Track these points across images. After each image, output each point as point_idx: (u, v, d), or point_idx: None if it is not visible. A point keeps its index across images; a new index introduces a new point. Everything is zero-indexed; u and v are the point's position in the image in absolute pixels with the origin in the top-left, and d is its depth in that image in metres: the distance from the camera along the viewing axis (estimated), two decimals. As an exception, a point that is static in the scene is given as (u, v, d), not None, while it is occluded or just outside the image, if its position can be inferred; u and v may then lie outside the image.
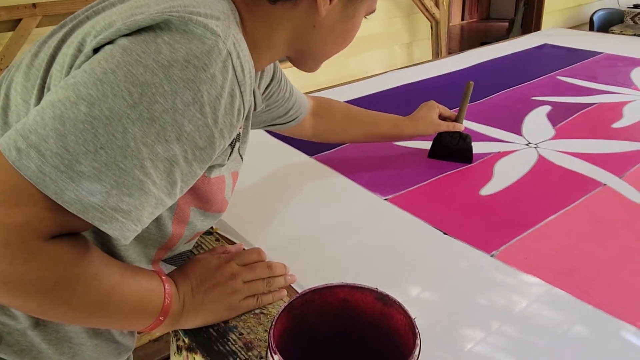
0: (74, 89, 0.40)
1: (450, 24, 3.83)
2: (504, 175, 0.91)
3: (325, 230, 0.77)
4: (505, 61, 1.63)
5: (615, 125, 1.11)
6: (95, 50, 0.44)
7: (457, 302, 0.62)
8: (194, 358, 0.57)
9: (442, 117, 0.98)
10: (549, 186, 0.87)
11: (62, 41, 0.49)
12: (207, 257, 0.62)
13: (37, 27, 1.60)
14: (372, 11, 0.63)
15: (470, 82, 0.98)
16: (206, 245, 0.73)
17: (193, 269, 0.59)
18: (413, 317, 0.46)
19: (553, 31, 2.08)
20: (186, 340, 0.58)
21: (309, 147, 1.02)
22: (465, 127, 0.99)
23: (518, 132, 1.09)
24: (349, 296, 0.51)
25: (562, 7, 3.77)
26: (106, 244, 0.51)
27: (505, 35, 4.55)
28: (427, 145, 1.01)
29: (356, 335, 0.52)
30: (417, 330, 0.45)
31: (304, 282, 0.65)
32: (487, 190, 0.86)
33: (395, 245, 0.73)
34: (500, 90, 1.35)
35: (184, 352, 0.60)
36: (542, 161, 0.95)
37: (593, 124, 1.12)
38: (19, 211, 0.38)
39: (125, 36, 0.43)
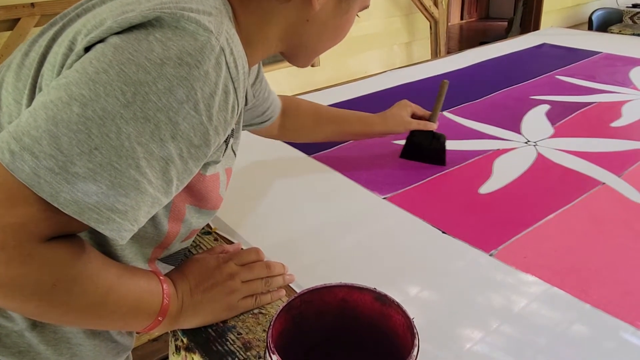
0: (66, 89, 0.40)
1: (449, 24, 3.83)
2: (503, 174, 0.91)
3: (324, 230, 0.77)
4: (504, 60, 1.64)
5: (614, 124, 1.11)
6: (87, 49, 0.43)
7: (455, 301, 0.62)
8: (193, 358, 0.57)
9: (415, 117, 0.96)
10: (547, 185, 0.87)
11: (53, 40, 0.49)
12: (205, 257, 0.61)
13: (35, 26, 1.60)
14: (366, 7, 0.63)
15: (445, 81, 0.96)
16: (204, 245, 0.73)
17: (191, 268, 0.59)
18: (411, 317, 0.46)
19: (552, 31, 2.08)
20: (185, 340, 0.58)
21: (308, 146, 1.02)
22: (467, 127, 0.98)
23: (517, 130, 1.09)
24: (348, 296, 0.51)
25: (561, 6, 3.78)
26: (102, 244, 0.51)
27: (504, 34, 4.55)
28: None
29: (355, 335, 0.52)
30: (415, 330, 0.45)
31: (303, 282, 0.65)
32: (486, 189, 0.86)
33: (393, 244, 0.73)
34: (499, 89, 1.35)
35: (183, 352, 0.60)
36: (541, 159, 0.95)
37: (592, 123, 1.12)
38: (15, 214, 0.38)
39: (116, 34, 0.42)
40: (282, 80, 2.42)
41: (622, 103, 1.22)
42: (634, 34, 2.32)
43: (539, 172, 0.91)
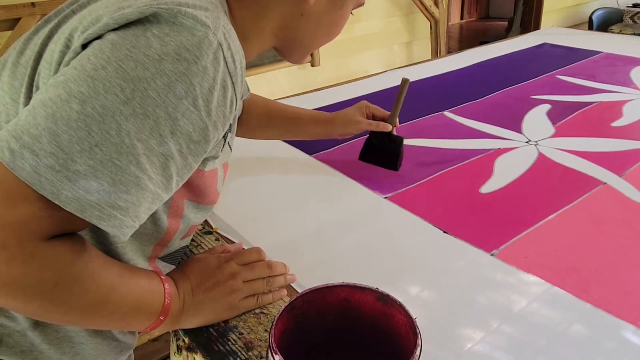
0: (65, 87, 0.40)
1: (449, 23, 3.83)
2: (504, 173, 0.91)
3: (325, 229, 0.77)
4: (504, 60, 1.63)
5: (615, 124, 1.11)
6: (84, 46, 0.43)
7: (456, 301, 0.62)
8: (194, 358, 0.57)
9: (376, 118, 0.91)
10: (548, 184, 0.87)
11: (49, 37, 0.49)
12: (206, 256, 0.61)
13: (34, 25, 1.60)
14: (360, 5, 0.63)
15: (406, 78, 0.90)
16: (206, 245, 0.73)
17: (193, 268, 0.59)
18: (414, 317, 0.46)
19: (552, 30, 2.08)
20: (186, 339, 0.58)
21: (309, 145, 1.02)
22: (468, 126, 0.97)
23: (518, 129, 1.09)
24: (350, 296, 0.51)
25: (561, 6, 3.77)
26: (103, 242, 0.51)
27: (505, 34, 4.55)
28: (426, 143, 1.01)
29: (357, 335, 0.52)
30: (418, 330, 0.45)
31: (304, 282, 0.65)
32: (487, 188, 0.86)
33: (394, 244, 0.73)
34: (499, 89, 1.35)
35: (184, 352, 0.60)
36: (542, 159, 0.95)
37: (593, 122, 1.12)
38: (16, 212, 0.38)
39: (113, 31, 0.42)
40: (282, 80, 2.41)
41: (622, 103, 1.22)
42: (634, 34, 2.32)
43: (540, 171, 0.91)
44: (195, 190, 0.57)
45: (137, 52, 0.41)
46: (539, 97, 1.28)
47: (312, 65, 2.48)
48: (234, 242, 0.73)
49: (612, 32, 2.86)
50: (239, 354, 0.54)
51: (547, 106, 1.21)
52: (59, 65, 0.45)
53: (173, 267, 0.63)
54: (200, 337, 0.57)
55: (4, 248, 0.38)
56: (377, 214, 0.80)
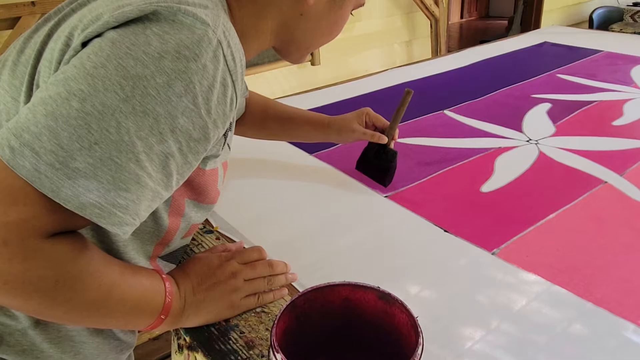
0: (65, 85, 0.40)
1: (449, 22, 3.83)
2: (505, 172, 0.91)
3: (326, 228, 0.77)
4: (505, 59, 1.63)
5: (616, 123, 1.11)
6: (84, 44, 0.43)
7: (457, 300, 0.62)
8: (195, 357, 0.57)
9: (375, 128, 0.88)
10: (549, 183, 0.87)
11: (49, 36, 0.49)
12: (207, 255, 0.61)
13: (34, 24, 1.60)
14: (360, 5, 0.63)
15: (409, 90, 0.85)
16: (207, 244, 0.73)
17: (194, 267, 0.59)
18: (415, 315, 0.46)
19: (552, 29, 2.08)
20: (187, 338, 0.58)
21: (309, 144, 1.02)
22: (468, 125, 0.96)
23: (518, 128, 1.09)
24: (351, 295, 0.51)
25: (562, 5, 3.77)
26: (104, 241, 0.51)
27: (505, 33, 4.54)
28: (426, 142, 1.01)
29: (358, 334, 0.52)
30: (419, 329, 0.45)
31: (305, 281, 0.65)
32: (487, 187, 0.86)
33: (395, 243, 0.73)
34: (500, 88, 1.35)
35: (185, 351, 0.59)
36: (542, 158, 0.95)
37: (593, 121, 1.12)
38: (16, 210, 0.38)
39: (113, 29, 0.42)
40: (283, 79, 2.41)
41: (623, 102, 1.22)
42: (634, 33, 2.32)
43: (541, 170, 0.91)
44: (196, 189, 0.57)
45: (136, 50, 0.41)
46: (540, 96, 1.28)
47: (313, 64, 2.48)
48: (234, 241, 0.73)
49: (613, 31, 2.86)
50: (240, 353, 0.54)
51: (548, 105, 1.21)
52: (59, 63, 0.45)
53: (173, 266, 0.63)
54: (201, 336, 0.57)
55: (5, 246, 0.38)
56: (378, 213, 0.80)
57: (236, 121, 0.88)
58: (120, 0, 0.45)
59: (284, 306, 0.48)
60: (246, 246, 0.70)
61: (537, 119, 1.14)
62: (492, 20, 6.65)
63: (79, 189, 0.39)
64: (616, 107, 1.19)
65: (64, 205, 0.39)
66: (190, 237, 0.66)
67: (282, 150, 1.02)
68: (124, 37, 0.41)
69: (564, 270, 0.66)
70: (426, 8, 2.77)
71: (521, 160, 0.95)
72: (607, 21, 3.38)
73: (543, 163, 0.94)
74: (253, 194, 0.87)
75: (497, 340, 0.56)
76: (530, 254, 0.69)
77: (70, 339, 0.54)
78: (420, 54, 3.00)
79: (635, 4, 3.54)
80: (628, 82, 1.36)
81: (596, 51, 1.66)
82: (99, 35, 0.43)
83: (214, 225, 0.77)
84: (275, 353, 0.43)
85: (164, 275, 0.54)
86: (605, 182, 0.86)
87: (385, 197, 0.84)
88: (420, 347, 0.43)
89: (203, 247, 0.72)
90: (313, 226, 0.77)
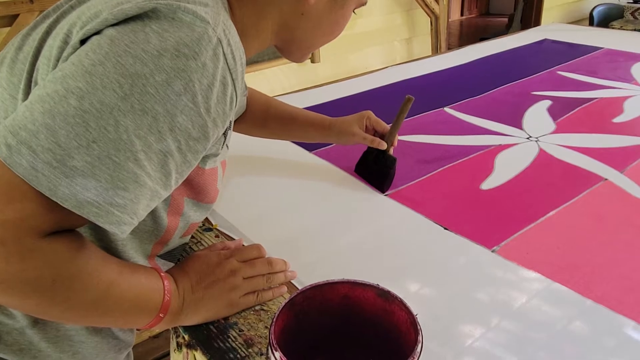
0: (63, 83, 0.40)
1: (449, 20, 3.82)
2: (505, 169, 0.90)
3: (325, 226, 0.77)
4: (505, 56, 1.63)
5: (616, 120, 1.10)
6: (83, 42, 0.43)
7: (457, 297, 0.62)
8: (194, 355, 0.57)
9: (375, 132, 0.87)
10: (549, 180, 0.86)
11: (47, 33, 0.49)
12: (206, 253, 0.61)
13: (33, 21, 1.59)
14: (362, 4, 0.63)
15: (410, 97, 0.84)
16: (206, 242, 0.72)
17: (192, 265, 0.59)
18: (415, 313, 0.46)
19: (553, 26, 2.08)
20: (186, 337, 0.58)
21: (309, 143, 1.02)
22: (468, 122, 0.95)
23: (519, 126, 1.09)
24: (350, 292, 0.51)
25: (562, 2, 3.76)
26: (103, 240, 0.51)
27: (505, 30, 4.54)
28: (426, 139, 1.01)
29: (357, 332, 0.52)
30: (419, 327, 0.45)
31: (304, 279, 0.65)
32: (487, 185, 0.86)
33: (395, 241, 0.73)
34: (500, 85, 1.35)
35: (184, 349, 0.59)
36: (543, 155, 0.95)
37: (594, 118, 1.12)
38: (13, 208, 0.38)
39: (112, 26, 0.42)
40: (283, 77, 2.41)
41: (624, 99, 1.22)
42: (635, 30, 2.31)
43: (541, 167, 0.91)
44: (196, 188, 0.57)
45: (135, 47, 0.40)
46: (540, 93, 1.27)
47: (313, 61, 2.48)
48: (234, 239, 0.73)
49: (613, 28, 2.85)
50: (239, 350, 0.54)
51: (548, 102, 1.21)
52: (58, 61, 0.45)
53: (172, 264, 0.63)
54: (200, 334, 0.57)
55: (2, 245, 0.38)
56: (377, 211, 0.80)
57: (237, 119, 0.87)
58: None
59: (283, 304, 0.47)
60: (245, 244, 0.70)
61: (537, 116, 1.14)
62: (492, 17, 6.64)
63: (76, 188, 0.38)
64: (616, 104, 1.18)
65: (61, 203, 0.38)
66: (189, 236, 0.66)
67: (281, 148, 1.02)
68: (122, 35, 0.41)
69: (564, 267, 0.66)
70: (426, 5, 2.77)
71: (521, 158, 0.94)
72: (608, 18, 3.37)
73: (543, 160, 0.93)
74: (252, 191, 0.87)
75: (497, 337, 0.56)
76: (530, 251, 0.69)
77: (69, 338, 0.54)
78: (421, 51, 3.00)
79: (635, 1, 3.53)
80: (628, 79, 1.36)
81: (596, 48, 1.66)
82: (97, 33, 0.42)
83: (213, 223, 0.77)
84: (274, 351, 0.42)
85: (162, 274, 0.54)
86: (606, 179, 0.86)
87: (385, 195, 0.84)
88: (420, 345, 0.43)
89: (202, 245, 0.72)
90: (312, 224, 0.77)
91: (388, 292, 0.49)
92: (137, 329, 0.62)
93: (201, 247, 0.71)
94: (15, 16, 1.55)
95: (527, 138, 1.03)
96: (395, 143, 0.87)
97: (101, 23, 0.42)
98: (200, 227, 0.76)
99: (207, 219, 0.78)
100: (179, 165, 0.45)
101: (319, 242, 0.73)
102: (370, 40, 2.74)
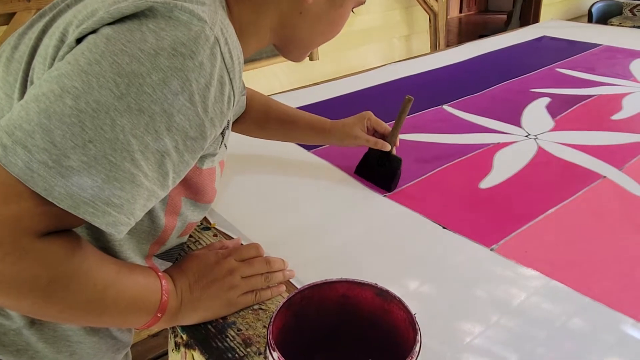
0: (58, 82, 0.39)
1: (448, 17, 3.82)
2: (504, 167, 0.90)
3: (324, 226, 0.76)
4: (504, 53, 1.63)
5: (615, 117, 1.10)
6: (79, 41, 0.43)
7: (456, 296, 0.62)
8: (192, 354, 0.57)
9: (376, 133, 0.87)
10: (548, 178, 0.86)
11: (43, 32, 0.48)
12: (204, 252, 0.61)
13: (29, 20, 1.59)
14: (361, 3, 0.62)
15: (409, 97, 0.84)
16: (204, 241, 0.72)
17: (190, 265, 0.59)
18: (413, 312, 0.46)
19: (551, 23, 2.07)
20: (184, 336, 0.58)
21: (307, 142, 1.02)
22: (467, 120, 0.95)
23: (517, 123, 1.09)
24: (349, 292, 0.50)
25: (561, -2, 3.76)
26: (100, 240, 0.51)
27: (504, 27, 4.53)
28: (424, 138, 1.01)
29: (356, 331, 0.52)
30: (417, 326, 0.45)
31: (303, 278, 0.65)
32: (486, 183, 0.86)
33: (394, 240, 0.73)
34: (498, 82, 1.34)
35: (182, 349, 0.59)
36: (541, 153, 0.95)
37: (592, 115, 1.11)
38: (9, 208, 0.38)
39: (108, 25, 0.42)
40: (281, 75, 2.41)
41: (622, 95, 1.21)
42: (634, 27, 2.31)
43: (540, 165, 0.91)
44: (193, 188, 0.56)
45: (132, 46, 0.40)
46: (539, 90, 1.27)
47: (311, 59, 2.47)
48: (232, 238, 0.73)
49: (612, 25, 2.85)
50: (238, 350, 0.54)
51: (547, 99, 1.21)
52: (54, 60, 0.45)
53: (170, 264, 0.62)
54: (198, 334, 0.57)
55: None
56: (375, 210, 0.80)
57: (237, 119, 0.87)
58: None
59: (281, 303, 0.47)
60: (244, 243, 0.70)
61: (536, 113, 1.14)
62: (491, 14, 6.63)
63: (72, 188, 0.38)
64: (615, 101, 1.18)
65: (57, 204, 0.38)
66: (187, 236, 0.66)
67: (280, 147, 1.02)
68: (119, 34, 0.41)
69: (563, 265, 0.66)
70: (425, 2, 2.76)
71: (520, 156, 0.94)
72: (606, 15, 3.37)
73: (542, 158, 0.93)
74: (251, 190, 0.87)
75: (496, 335, 0.56)
76: (529, 249, 0.69)
77: (66, 338, 0.53)
78: (419, 48, 3.00)
79: (634, -2, 3.52)
80: (627, 76, 1.36)
81: (595, 45, 1.66)
82: (93, 32, 0.42)
83: (212, 222, 0.77)
84: (272, 351, 0.42)
85: (160, 273, 0.53)
86: (604, 176, 0.86)
87: (384, 195, 0.84)
88: (418, 344, 0.43)
89: (200, 244, 0.72)
90: (311, 223, 0.77)
91: (386, 292, 0.49)
92: (135, 329, 0.62)
93: (199, 246, 0.71)
94: (12, 14, 1.55)
95: (526, 136, 1.03)
96: (398, 143, 0.87)
97: (97, 22, 0.42)
98: (198, 226, 0.76)
99: (205, 218, 0.78)
100: (176, 165, 0.44)
101: (317, 241, 0.73)
102: (369, 37, 2.74)
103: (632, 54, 1.54)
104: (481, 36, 1.98)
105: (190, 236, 0.73)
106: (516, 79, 1.36)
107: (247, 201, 0.83)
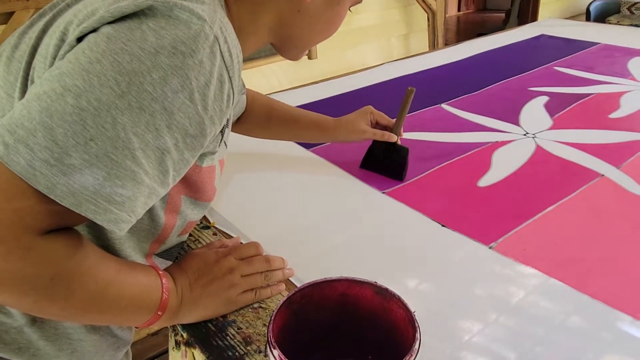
0: (60, 80, 0.40)
1: (446, 15, 3.82)
2: (502, 166, 0.90)
3: (323, 224, 0.77)
4: (502, 52, 1.63)
5: (613, 115, 1.10)
6: (79, 40, 0.43)
7: (455, 294, 0.62)
8: (193, 353, 0.57)
9: (379, 125, 0.89)
10: (547, 177, 0.87)
11: (43, 31, 0.49)
12: (204, 251, 0.61)
13: (29, 19, 1.59)
14: (358, 2, 0.63)
15: (411, 88, 0.86)
16: (203, 240, 0.73)
17: (191, 263, 0.59)
18: (412, 310, 0.46)
19: (550, 22, 2.08)
20: (184, 335, 0.58)
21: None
22: (465, 119, 0.96)
23: (516, 122, 1.09)
24: (348, 290, 0.51)
25: (559, -3, 3.76)
26: (101, 238, 0.51)
27: (502, 26, 4.53)
28: (423, 136, 1.01)
29: (355, 329, 0.52)
30: (416, 324, 0.45)
31: (302, 276, 0.65)
32: (485, 182, 0.86)
33: (393, 238, 0.73)
34: (497, 81, 1.35)
35: (183, 347, 0.59)
36: (540, 151, 0.95)
37: (590, 114, 1.12)
38: (12, 207, 0.38)
39: (109, 24, 0.42)
40: (280, 73, 2.41)
41: (620, 94, 1.22)
42: (632, 25, 2.32)
43: (538, 164, 0.91)
44: (193, 187, 0.57)
45: (132, 45, 0.40)
46: (537, 89, 1.27)
47: (310, 58, 2.48)
48: (231, 237, 0.73)
49: (610, 23, 2.85)
50: (238, 348, 0.54)
51: (545, 98, 1.21)
52: (54, 59, 0.45)
53: (170, 263, 0.63)
54: (198, 332, 0.57)
55: (1, 243, 0.38)
56: (375, 208, 0.80)
57: (240, 121, 0.88)
58: None
59: (281, 302, 0.47)
60: (243, 242, 0.70)
61: (534, 112, 1.14)
62: (489, 13, 6.63)
63: (74, 186, 0.38)
64: (613, 100, 1.19)
65: (59, 201, 0.38)
66: (187, 235, 0.66)
67: (279, 146, 1.02)
68: (119, 33, 0.41)
69: (561, 263, 0.66)
70: (423, 1, 2.76)
71: (518, 154, 0.95)
72: (604, 13, 3.37)
73: (540, 156, 0.94)
74: (250, 189, 0.87)
75: (495, 333, 0.56)
76: (527, 247, 0.69)
77: (68, 336, 0.54)
78: (418, 47, 3.00)
79: (632, -4, 3.53)
80: (625, 74, 1.36)
81: (593, 44, 1.66)
82: (94, 31, 0.42)
83: (211, 221, 0.77)
84: (272, 349, 0.43)
85: (160, 272, 0.54)
86: (602, 175, 0.86)
87: (383, 192, 0.84)
88: (418, 342, 0.43)
89: (200, 243, 0.72)
90: (310, 222, 0.77)
91: (386, 290, 0.49)
92: (136, 327, 0.62)
93: (199, 245, 0.71)
94: (11, 14, 1.55)
95: (524, 134, 1.03)
96: (402, 134, 0.89)
97: (98, 21, 0.42)
98: (198, 224, 0.76)
99: (205, 216, 0.78)
100: (176, 163, 0.45)
101: (316, 240, 0.73)
102: (368, 36, 2.74)
103: (630, 53, 1.55)
104: (479, 35, 1.99)
105: (190, 235, 0.73)
106: (514, 78, 1.37)
107: (247, 200, 0.84)
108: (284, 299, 0.48)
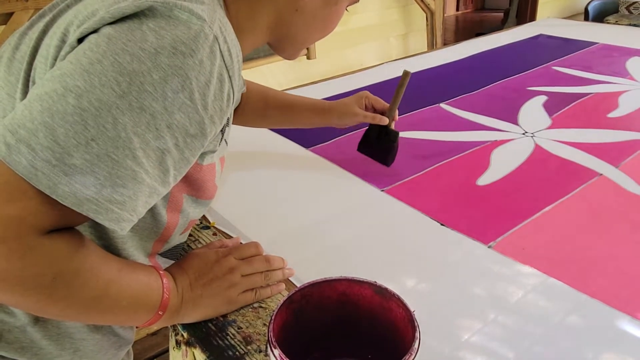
0: (61, 81, 0.40)
1: (445, 15, 3.82)
2: (501, 165, 0.91)
3: (323, 223, 0.77)
4: (500, 52, 1.63)
5: (611, 114, 1.11)
6: (80, 40, 0.43)
7: (454, 293, 0.62)
8: (193, 352, 0.57)
9: (375, 110, 0.89)
10: (545, 176, 0.87)
11: (44, 32, 0.49)
12: (205, 251, 0.61)
13: (29, 20, 1.59)
14: (356, 1, 0.63)
15: (407, 71, 0.87)
16: (203, 240, 0.73)
17: (191, 263, 0.59)
18: (412, 310, 0.46)
19: (548, 21, 2.08)
20: (185, 334, 0.58)
21: (305, 139, 1.02)
22: (464, 118, 0.96)
23: (514, 121, 1.09)
24: (348, 290, 0.51)
25: (557, -4, 3.77)
26: (103, 238, 0.51)
27: (500, 25, 4.54)
28: (422, 135, 1.01)
29: (355, 328, 0.52)
30: (416, 324, 0.45)
31: (302, 276, 0.65)
32: (483, 180, 0.86)
33: (392, 237, 0.73)
34: (495, 80, 1.35)
35: (183, 347, 0.60)
36: (538, 150, 0.96)
37: (589, 113, 1.12)
38: (13, 207, 0.38)
39: (109, 25, 0.42)
40: (279, 73, 2.41)
41: (619, 93, 1.22)
42: (630, 24, 2.32)
43: (537, 163, 0.91)
44: (194, 185, 0.57)
45: (133, 45, 0.41)
46: (535, 88, 1.28)
47: (308, 58, 2.48)
48: (231, 237, 0.73)
49: (608, 23, 2.86)
50: (238, 348, 0.54)
51: (544, 97, 1.21)
52: (55, 59, 0.45)
53: (172, 262, 0.63)
54: (199, 332, 0.57)
55: (3, 242, 0.38)
56: (374, 207, 0.81)
57: (237, 112, 0.88)
58: None
59: (281, 301, 0.48)
60: (243, 242, 0.70)
61: (533, 111, 1.14)
62: (487, 12, 6.63)
63: (75, 186, 0.39)
64: (611, 99, 1.19)
65: (60, 201, 0.39)
66: (188, 233, 0.66)
67: (278, 145, 1.02)
68: (120, 33, 0.41)
69: (560, 262, 0.66)
70: (422, 1, 2.77)
71: (517, 153, 0.95)
72: (603, 13, 3.37)
73: (539, 156, 0.94)
74: (250, 189, 0.87)
75: (494, 332, 0.56)
76: (526, 246, 0.70)
77: (70, 335, 0.54)
78: (416, 47, 3.00)
79: (630, -4, 3.53)
80: (623, 74, 1.36)
81: (592, 43, 1.66)
82: (94, 31, 0.43)
83: (211, 221, 0.77)
84: (273, 348, 0.43)
85: (161, 272, 0.54)
86: (601, 174, 0.87)
87: (382, 191, 0.85)
88: (417, 342, 0.44)
89: (200, 243, 0.72)
90: (310, 221, 0.78)
91: (385, 289, 0.49)
92: (136, 327, 0.63)
93: (199, 245, 0.71)
94: (10, 14, 1.55)
95: (523, 134, 1.03)
96: (397, 118, 0.89)
97: (98, 22, 0.42)
98: (197, 224, 0.76)
99: (204, 216, 0.78)
100: (176, 162, 0.45)
101: (316, 239, 0.73)
102: (366, 36, 2.74)
103: (629, 52, 1.55)
104: (478, 34, 1.99)
105: (190, 235, 0.74)
106: (513, 77, 1.37)
107: (246, 200, 0.84)
108: (284, 298, 0.48)
